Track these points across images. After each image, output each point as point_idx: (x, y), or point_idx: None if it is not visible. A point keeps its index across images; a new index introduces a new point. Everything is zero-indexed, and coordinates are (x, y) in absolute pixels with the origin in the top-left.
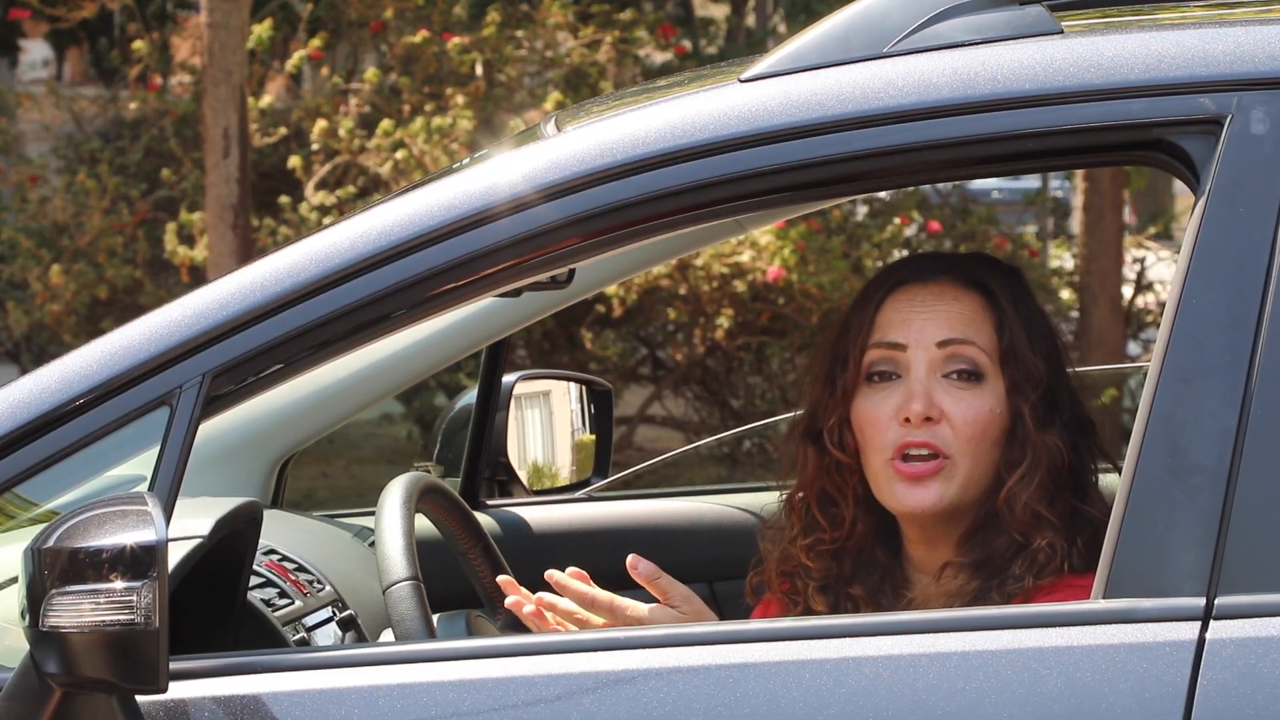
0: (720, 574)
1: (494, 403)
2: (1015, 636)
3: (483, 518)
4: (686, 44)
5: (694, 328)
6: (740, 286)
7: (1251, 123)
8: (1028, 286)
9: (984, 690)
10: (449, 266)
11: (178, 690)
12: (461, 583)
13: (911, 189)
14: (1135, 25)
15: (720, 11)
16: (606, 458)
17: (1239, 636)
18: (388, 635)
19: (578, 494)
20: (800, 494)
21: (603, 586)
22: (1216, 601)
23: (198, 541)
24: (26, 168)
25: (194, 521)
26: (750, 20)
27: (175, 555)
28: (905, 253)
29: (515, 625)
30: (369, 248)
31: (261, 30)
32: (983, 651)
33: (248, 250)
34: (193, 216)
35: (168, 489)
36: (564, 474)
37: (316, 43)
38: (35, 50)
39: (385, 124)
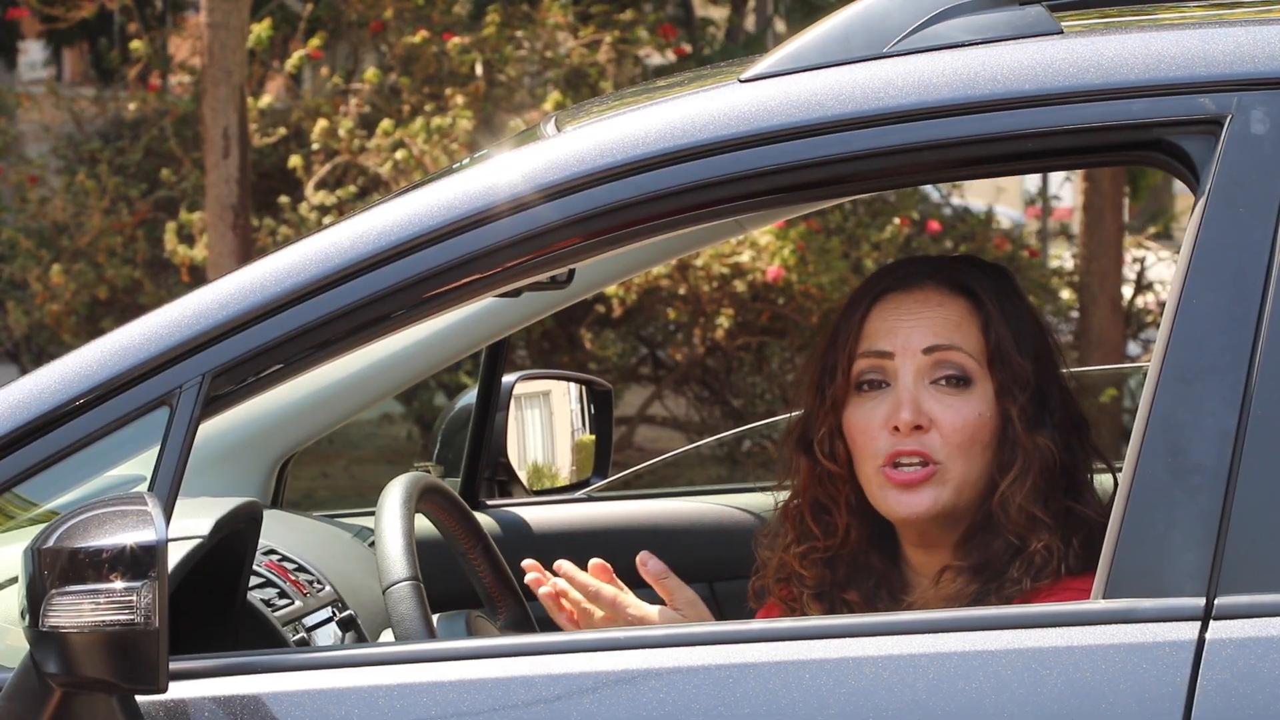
0: (720, 574)
1: (494, 403)
2: (1015, 637)
3: (483, 518)
4: (686, 46)
5: (694, 328)
6: (740, 286)
7: (1251, 123)
8: (1015, 286)
9: (984, 690)
10: (449, 266)
11: (178, 690)
12: (461, 583)
13: (912, 189)
14: (1135, 25)
15: (720, 12)
16: (606, 458)
17: (1239, 636)
18: (388, 635)
19: (578, 494)
20: (795, 502)
21: None
22: (1216, 601)
23: (198, 541)
24: (26, 168)
25: (194, 521)
26: (750, 22)
27: (175, 555)
28: (904, 254)
29: (515, 625)
30: (369, 248)
31: (261, 30)
32: (983, 651)
33: (248, 250)
34: (193, 216)
35: (168, 489)
36: (564, 474)
37: (316, 43)
38: (34, 50)
39: (385, 124)
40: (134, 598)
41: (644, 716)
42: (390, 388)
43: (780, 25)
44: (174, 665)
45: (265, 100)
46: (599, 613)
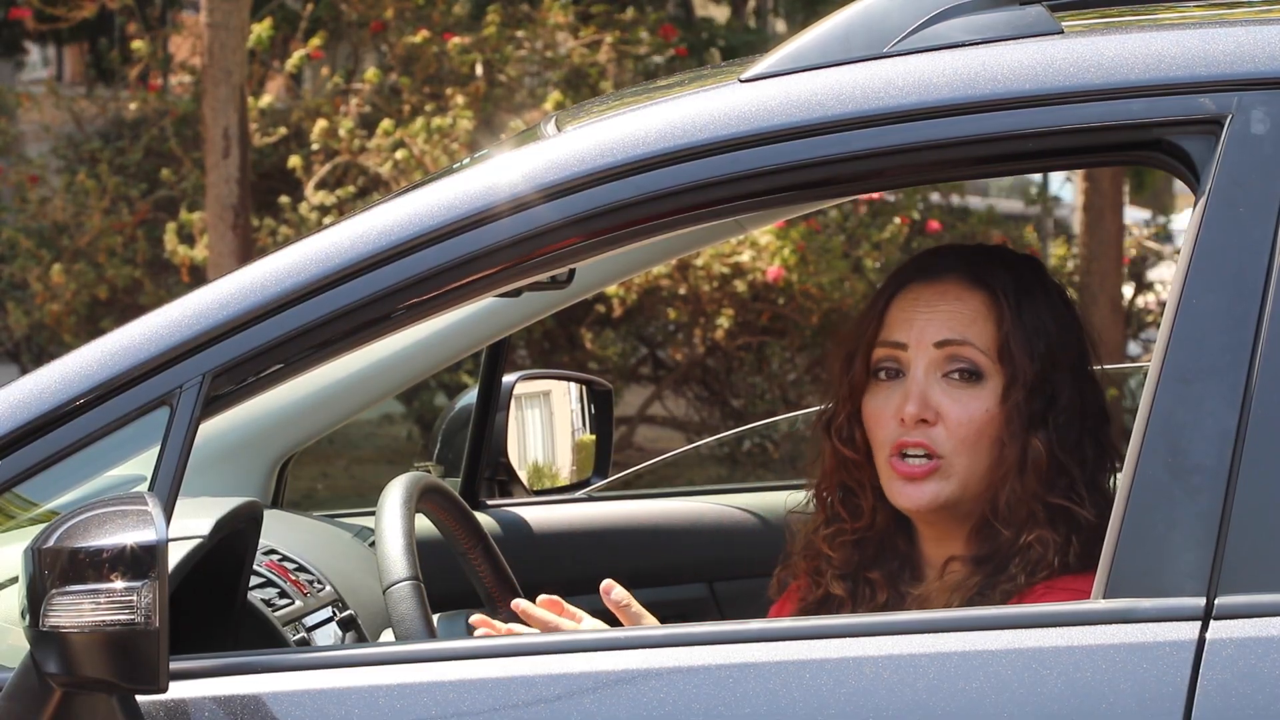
0: (720, 574)
1: (494, 403)
2: (1015, 636)
3: (483, 518)
4: (686, 46)
5: (694, 328)
6: (740, 286)
7: (1251, 123)
8: (1043, 280)
9: (984, 690)
10: (449, 266)
11: (178, 690)
12: (461, 583)
13: (912, 189)
14: (1135, 25)
15: (721, 13)
16: (606, 458)
17: (1239, 636)
18: (388, 635)
19: (578, 494)
20: (823, 485)
21: (599, 588)
22: (1216, 601)
23: (198, 541)
24: (26, 168)
25: (194, 521)
26: (750, 23)
27: (175, 555)
28: (904, 253)
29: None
30: (369, 248)
31: (261, 30)
32: (983, 651)
33: (248, 250)
34: (193, 216)
35: (168, 489)
36: (564, 474)
37: (316, 43)
38: (34, 50)
39: (385, 124)
40: (134, 598)
41: (644, 716)
42: (390, 388)
43: (780, 25)
44: (174, 665)
45: (265, 100)
46: None
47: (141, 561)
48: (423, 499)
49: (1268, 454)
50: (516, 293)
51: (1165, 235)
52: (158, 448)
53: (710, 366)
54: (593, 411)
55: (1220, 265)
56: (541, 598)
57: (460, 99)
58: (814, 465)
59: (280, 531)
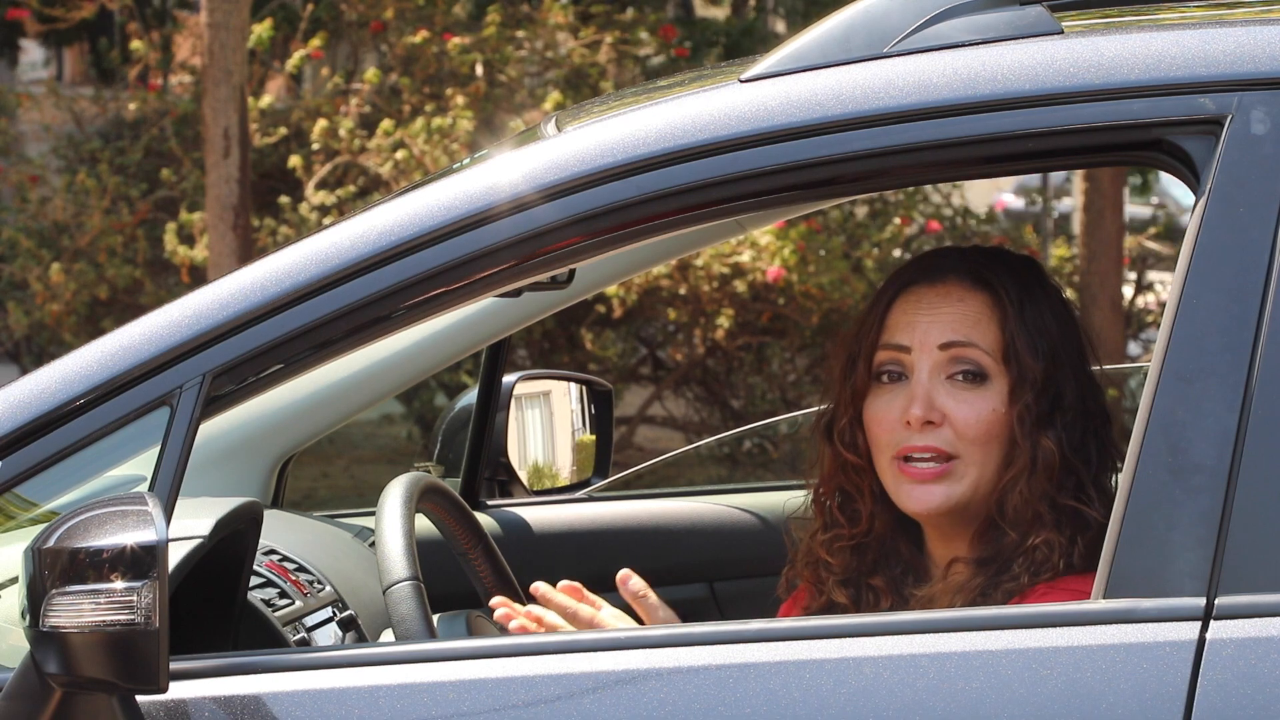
0: (720, 574)
1: (494, 403)
2: (1015, 636)
3: (483, 518)
4: (687, 45)
5: (694, 328)
6: (740, 286)
7: (1251, 123)
8: (1043, 280)
9: (984, 690)
10: (449, 266)
11: (178, 690)
12: (461, 583)
13: (912, 189)
14: (1135, 25)
15: (721, 13)
16: (606, 458)
17: (1239, 636)
18: (388, 635)
19: (578, 494)
20: (821, 490)
21: (601, 587)
22: (1216, 601)
23: (198, 541)
24: (26, 168)
25: (194, 521)
26: (750, 18)
27: (175, 555)
28: (904, 253)
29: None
30: (369, 248)
31: (261, 30)
32: (983, 651)
33: (248, 250)
34: (193, 216)
35: (168, 489)
36: (564, 474)
37: (316, 43)
38: (34, 50)
39: (385, 124)
40: (134, 598)
41: (644, 716)
42: (390, 388)
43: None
44: (174, 665)
45: (266, 100)
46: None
47: (141, 561)
48: (423, 499)
49: (1268, 454)
50: (516, 293)
51: (1165, 234)
52: (158, 448)
53: (710, 367)
54: (593, 411)
55: (1220, 265)
56: (563, 584)
57: (460, 99)
58: (813, 469)
59: (280, 531)
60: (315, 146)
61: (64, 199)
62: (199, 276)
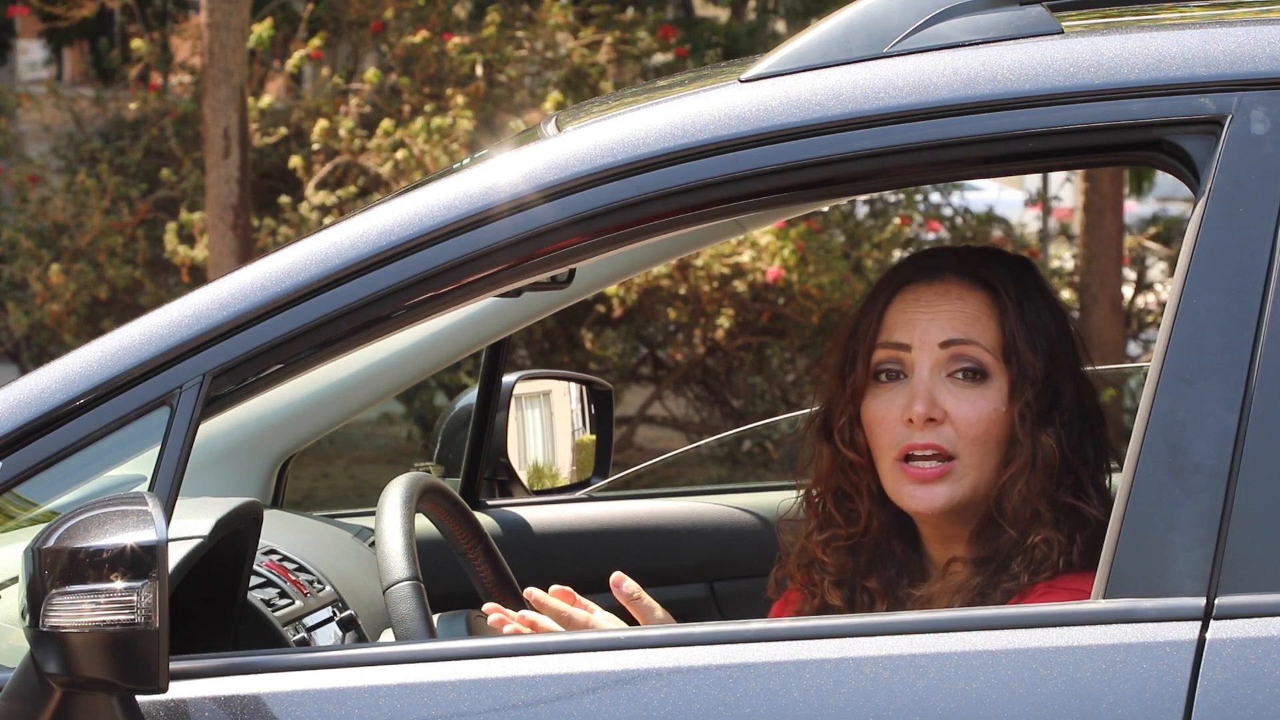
0: (720, 574)
1: (494, 403)
2: (1015, 636)
3: (483, 518)
4: (686, 46)
5: (694, 328)
6: (740, 286)
7: (1251, 123)
8: (1038, 279)
9: (984, 690)
10: (449, 266)
11: (178, 690)
12: (461, 583)
13: (912, 189)
14: (1135, 25)
15: (722, 13)
16: (606, 458)
17: (1239, 636)
18: (388, 635)
19: (578, 494)
20: (816, 490)
21: (600, 587)
22: (1216, 601)
23: (198, 541)
24: (26, 168)
25: (194, 521)
26: (750, 18)
27: (175, 555)
28: (905, 253)
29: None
30: (369, 248)
31: (261, 30)
32: (983, 651)
33: (248, 250)
34: (193, 216)
35: (168, 489)
36: (564, 474)
37: (316, 43)
38: (34, 50)
39: (385, 124)
40: (134, 598)
41: (644, 716)
42: (390, 388)
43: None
44: (174, 665)
45: (265, 100)
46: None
47: (141, 561)
48: (423, 499)
49: (1268, 454)
50: (516, 293)
51: (1165, 236)
52: (158, 448)
53: (710, 366)
54: (593, 411)
55: (1220, 265)
56: (554, 588)
57: (460, 99)
58: (806, 469)
59: (280, 531)
60: (315, 146)
61: (64, 199)
62: (199, 276)
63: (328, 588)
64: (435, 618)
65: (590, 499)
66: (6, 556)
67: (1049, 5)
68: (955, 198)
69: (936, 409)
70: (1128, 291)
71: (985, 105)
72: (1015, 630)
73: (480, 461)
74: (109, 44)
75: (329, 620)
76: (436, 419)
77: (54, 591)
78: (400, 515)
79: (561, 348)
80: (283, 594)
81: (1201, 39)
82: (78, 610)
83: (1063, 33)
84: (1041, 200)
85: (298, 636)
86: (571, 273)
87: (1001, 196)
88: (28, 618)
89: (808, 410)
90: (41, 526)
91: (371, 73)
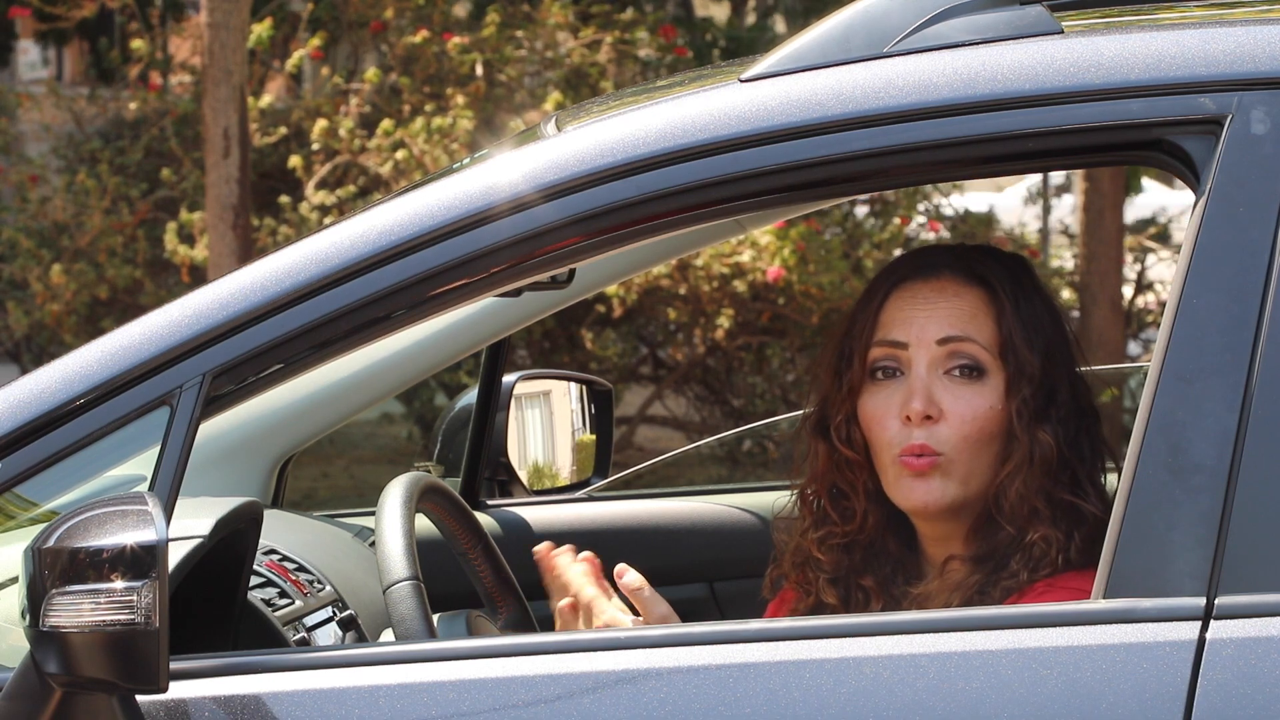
0: (720, 574)
1: (494, 403)
2: (1015, 636)
3: (483, 518)
4: (684, 45)
5: (694, 328)
6: (740, 286)
7: (1251, 123)
8: (1033, 277)
9: (984, 690)
10: (449, 266)
11: (178, 690)
12: (461, 583)
13: (912, 189)
14: (1135, 25)
15: (721, 12)
16: (606, 458)
17: (1239, 636)
18: (388, 635)
19: (578, 494)
20: (811, 488)
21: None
22: (1216, 601)
23: (198, 541)
24: (26, 168)
25: (194, 521)
26: (750, 20)
27: (175, 555)
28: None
29: (516, 625)
30: (369, 248)
31: (261, 30)
32: (983, 651)
33: (248, 250)
34: (193, 216)
35: (168, 489)
36: (564, 474)
37: (316, 43)
38: (33, 50)
39: (385, 124)
40: (134, 597)
41: (644, 716)
42: (390, 388)
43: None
44: (174, 665)
45: (265, 100)
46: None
47: (141, 561)
48: (423, 499)
49: (1268, 454)
50: (516, 293)
51: (1164, 235)
52: (158, 448)
53: (710, 366)
54: (593, 411)
55: (1220, 265)
56: (585, 555)
57: (460, 99)
58: (800, 467)
59: (280, 531)
60: (315, 146)
61: (64, 199)
62: (199, 276)
63: (328, 588)
64: (435, 618)
65: (590, 499)
66: (6, 556)
67: (1049, 5)
68: (955, 198)
69: (934, 406)
70: (1128, 291)
71: (985, 105)
72: (1015, 630)
73: (480, 461)
74: (109, 44)
75: (329, 620)
76: (436, 419)
77: (54, 591)
78: (400, 515)
79: (561, 348)
80: (283, 594)
81: (1201, 39)
82: (78, 610)
83: (1063, 33)
84: (1041, 200)
85: (298, 636)
86: (571, 273)
87: (999, 199)
88: (28, 618)
89: (807, 410)
90: (41, 526)
91: (371, 73)
